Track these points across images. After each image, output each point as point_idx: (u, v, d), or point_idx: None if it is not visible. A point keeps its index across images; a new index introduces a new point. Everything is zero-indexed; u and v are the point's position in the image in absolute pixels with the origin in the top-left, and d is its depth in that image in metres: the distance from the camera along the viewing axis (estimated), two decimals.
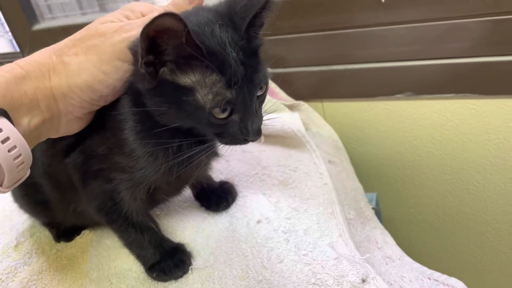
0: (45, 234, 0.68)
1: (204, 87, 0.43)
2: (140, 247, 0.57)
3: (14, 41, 1.36)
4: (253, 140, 0.48)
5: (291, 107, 0.89)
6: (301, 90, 0.92)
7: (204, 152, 0.50)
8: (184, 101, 0.44)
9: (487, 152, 0.86)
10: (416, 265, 0.61)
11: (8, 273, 0.61)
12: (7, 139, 0.38)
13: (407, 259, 0.63)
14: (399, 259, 0.63)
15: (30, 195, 0.63)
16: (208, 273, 0.55)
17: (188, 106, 0.44)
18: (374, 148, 0.95)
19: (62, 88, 0.44)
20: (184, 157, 0.49)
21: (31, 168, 0.44)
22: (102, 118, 0.50)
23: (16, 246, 0.66)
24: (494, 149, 0.84)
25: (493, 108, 0.81)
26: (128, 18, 0.48)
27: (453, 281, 0.53)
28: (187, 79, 0.43)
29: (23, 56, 1.24)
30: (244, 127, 0.46)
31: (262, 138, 0.80)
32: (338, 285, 0.51)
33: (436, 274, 0.56)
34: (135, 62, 0.45)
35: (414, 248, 1.03)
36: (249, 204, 0.64)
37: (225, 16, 0.45)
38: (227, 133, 0.47)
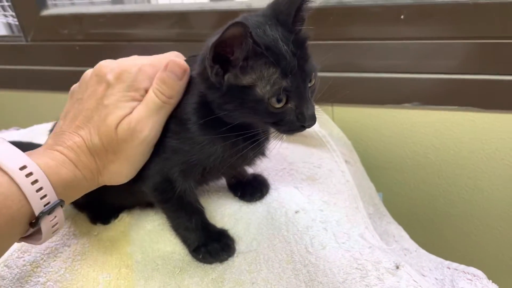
0: (80, 217, 0.69)
1: (262, 81, 0.49)
2: (186, 229, 0.60)
3: (13, 24, 1.34)
4: (309, 126, 0.52)
5: None
6: None
7: (255, 147, 0.56)
8: (246, 98, 0.50)
9: (479, 161, 0.95)
10: (433, 256, 0.67)
11: (48, 253, 0.62)
12: (56, 224, 0.48)
13: (423, 251, 0.70)
14: (415, 251, 0.70)
15: None
16: (254, 257, 0.59)
17: (250, 102, 0.50)
18: (376, 152, 1.03)
19: (105, 183, 0.56)
20: (238, 149, 0.55)
21: None
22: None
23: None
24: (487, 158, 0.94)
25: (489, 121, 0.90)
26: (134, 98, 0.53)
27: (473, 269, 0.60)
28: (248, 78, 0.50)
29: (26, 41, 1.21)
30: (300, 113, 0.51)
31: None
32: (376, 270, 0.56)
33: (454, 264, 0.63)
34: (204, 78, 0.51)
35: None
36: (284, 196, 0.68)
37: (272, 17, 0.52)
38: (285, 121, 0.52)
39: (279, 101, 0.50)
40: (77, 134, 0.52)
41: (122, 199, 0.66)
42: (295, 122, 0.52)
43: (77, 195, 0.54)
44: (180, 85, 0.54)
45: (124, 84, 0.52)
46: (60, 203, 0.47)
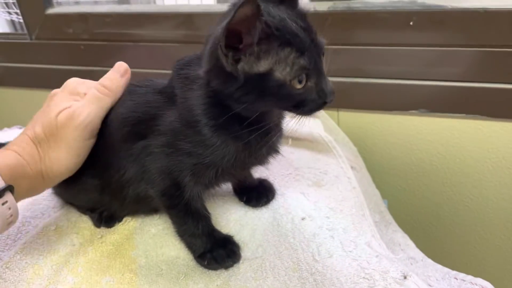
0: (83, 220, 0.68)
1: (280, 64, 0.47)
2: (192, 235, 0.59)
3: (16, 22, 1.33)
4: (331, 101, 0.51)
5: None
6: None
7: (268, 141, 0.55)
8: (266, 86, 0.48)
9: (485, 169, 0.94)
10: (439, 266, 0.67)
11: (51, 255, 0.61)
12: (9, 209, 0.52)
13: (429, 260, 0.69)
14: (422, 260, 0.69)
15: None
16: (259, 264, 0.58)
17: (271, 88, 0.48)
18: (381, 158, 1.02)
19: (48, 173, 0.58)
20: (252, 147, 0.54)
21: None
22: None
23: (55, 229, 0.66)
24: (493, 167, 0.93)
25: (496, 129, 0.90)
26: (75, 100, 0.59)
27: (480, 281, 0.59)
28: (265, 64, 0.47)
29: (30, 39, 1.21)
30: (320, 90, 0.50)
31: (290, 140, 0.85)
32: (383, 280, 0.56)
33: (462, 275, 0.62)
34: (218, 72, 0.49)
35: None
36: (290, 202, 0.68)
37: None
38: (306, 101, 0.50)
39: (300, 81, 0.48)
40: (23, 134, 0.59)
41: (128, 207, 0.65)
42: (317, 100, 0.50)
43: (26, 185, 0.56)
44: (122, 81, 0.60)
45: (66, 89, 0.61)
46: (9, 187, 0.51)
